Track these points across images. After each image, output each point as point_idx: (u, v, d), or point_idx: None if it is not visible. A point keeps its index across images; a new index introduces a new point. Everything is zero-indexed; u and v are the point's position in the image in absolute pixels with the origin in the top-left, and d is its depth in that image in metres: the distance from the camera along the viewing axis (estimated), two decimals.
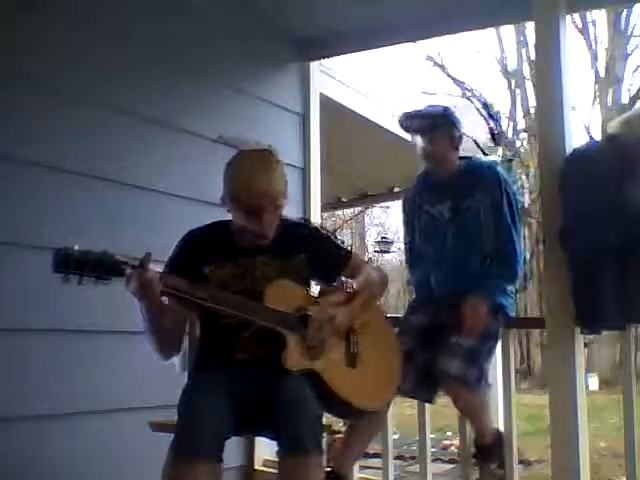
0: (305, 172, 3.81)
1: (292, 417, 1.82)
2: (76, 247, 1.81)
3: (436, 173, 2.79)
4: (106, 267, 1.82)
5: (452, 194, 2.73)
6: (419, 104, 2.85)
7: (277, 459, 1.84)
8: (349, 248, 2.46)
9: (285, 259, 2.14)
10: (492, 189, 2.68)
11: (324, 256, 2.23)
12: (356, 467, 2.90)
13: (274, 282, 2.08)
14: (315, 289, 2.32)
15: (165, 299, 1.96)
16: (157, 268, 1.96)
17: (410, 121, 2.76)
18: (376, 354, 2.24)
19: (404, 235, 3.03)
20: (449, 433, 8.11)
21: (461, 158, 2.80)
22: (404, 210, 2.97)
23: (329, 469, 2.53)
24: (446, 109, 2.77)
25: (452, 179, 2.75)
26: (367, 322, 2.24)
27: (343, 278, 2.29)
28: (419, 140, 2.72)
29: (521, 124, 17.24)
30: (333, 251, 2.29)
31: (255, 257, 2.12)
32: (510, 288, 2.76)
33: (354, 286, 2.25)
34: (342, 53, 3.94)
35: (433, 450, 5.76)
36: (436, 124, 2.69)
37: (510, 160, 15.51)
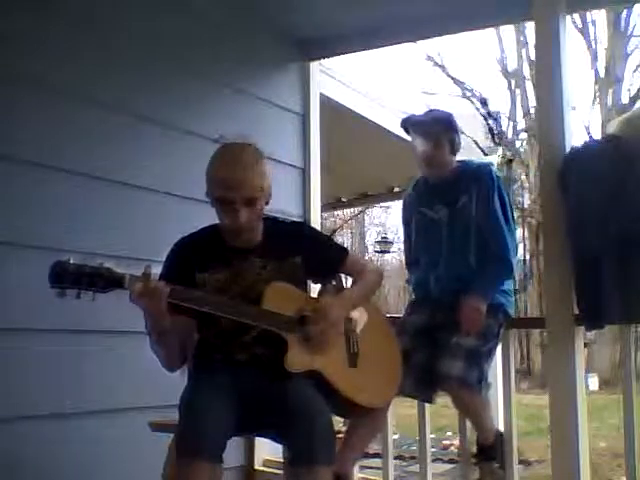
0: (305, 172, 3.81)
1: (305, 427, 1.82)
2: (71, 260, 1.78)
3: (434, 176, 2.79)
4: (104, 279, 1.80)
5: (448, 195, 2.74)
6: (421, 107, 2.85)
7: (284, 464, 1.84)
8: (345, 247, 2.46)
9: (281, 260, 2.13)
10: (482, 184, 2.68)
11: (320, 256, 2.21)
12: (356, 467, 2.90)
13: (272, 284, 2.07)
14: (314, 289, 2.32)
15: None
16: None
17: (415, 124, 2.76)
18: (376, 352, 2.24)
19: (403, 236, 3.05)
20: (449, 433, 8.11)
21: (458, 162, 2.81)
22: (403, 212, 2.99)
23: None
24: (450, 116, 2.77)
25: (448, 180, 2.76)
26: (366, 321, 2.23)
27: (342, 275, 2.29)
28: (420, 143, 2.72)
29: (521, 124, 17.27)
30: (329, 250, 2.28)
31: (250, 258, 2.11)
32: (508, 287, 2.76)
33: (349, 283, 2.26)
34: (342, 53, 3.94)
35: (433, 450, 5.76)
36: (440, 130, 2.69)
37: (510, 160, 15.52)
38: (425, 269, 2.79)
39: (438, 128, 2.70)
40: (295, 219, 3.47)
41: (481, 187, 2.69)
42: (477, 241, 2.68)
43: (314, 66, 3.91)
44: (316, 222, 3.85)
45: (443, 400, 2.75)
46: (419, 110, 2.84)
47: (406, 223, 2.96)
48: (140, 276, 1.83)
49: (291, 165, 3.68)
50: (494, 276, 2.68)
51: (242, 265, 2.10)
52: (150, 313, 1.88)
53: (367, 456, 3.47)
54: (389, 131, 5.08)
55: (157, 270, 2.11)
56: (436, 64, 17.90)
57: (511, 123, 17.34)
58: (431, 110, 2.86)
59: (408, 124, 2.80)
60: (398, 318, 2.87)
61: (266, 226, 2.13)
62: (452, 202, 2.72)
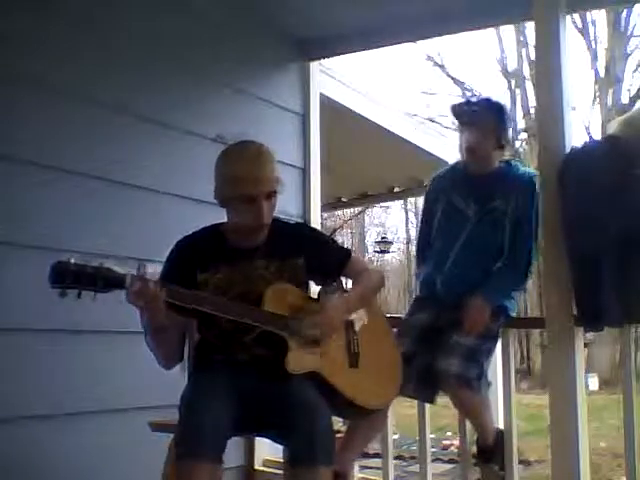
0: (305, 172, 3.81)
1: (305, 428, 1.83)
2: (72, 260, 1.78)
3: (475, 168, 2.73)
4: (104, 280, 1.79)
5: (483, 192, 2.68)
6: (474, 96, 2.80)
7: (284, 464, 1.84)
8: (348, 249, 2.46)
9: (283, 261, 2.13)
10: (526, 194, 2.66)
11: (322, 258, 2.21)
12: (356, 467, 2.90)
13: (273, 286, 2.07)
14: (314, 289, 2.32)
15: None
16: (157, 269, 1.95)
17: (463, 110, 2.72)
18: (377, 353, 2.24)
19: (421, 219, 2.99)
20: (449, 433, 8.11)
21: (502, 161, 2.77)
22: (430, 193, 2.90)
23: None
24: (502, 107, 2.73)
25: (488, 178, 2.70)
26: (366, 322, 2.23)
27: (342, 278, 2.29)
28: (465, 131, 2.68)
29: (521, 124, 17.25)
30: (331, 252, 2.28)
31: (253, 259, 2.11)
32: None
33: (350, 285, 2.26)
34: (342, 53, 3.94)
35: (433, 450, 5.76)
36: (488, 121, 2.64)
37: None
38: (434, 265, 2.76)
39: (487, 118, 2.65)
40: (295, 219, 3.48)
41: (524, 196, 2.65)
42: (496, 246, 2.65)
43: (314, 66, 3.91)
44: (316, 222, 3.84)
45: (443, 400, 2.75)
46: (474, 96, 2.80)
47: (429, 206, 2.87)
48: (137, 276, 1.83)
49: (291, 165, 3.68)
50: (507, 285, 2.69)
51: (245, 265, 2.10)
52: (147, 311, 1.88)
53: (367, 456, 3.47)
54: (389, 131, 5.09)
55: (159, 269, 2.11)
56: (436, 64, 17.94)
57: (511, 123, 17.33)
58: (484, 98, 2.81)
59: (457, 109, 2.76)
60: (399, 318, 2.87)
61: (271, 226, 2.13)
62: (485, 201, 2.67)
